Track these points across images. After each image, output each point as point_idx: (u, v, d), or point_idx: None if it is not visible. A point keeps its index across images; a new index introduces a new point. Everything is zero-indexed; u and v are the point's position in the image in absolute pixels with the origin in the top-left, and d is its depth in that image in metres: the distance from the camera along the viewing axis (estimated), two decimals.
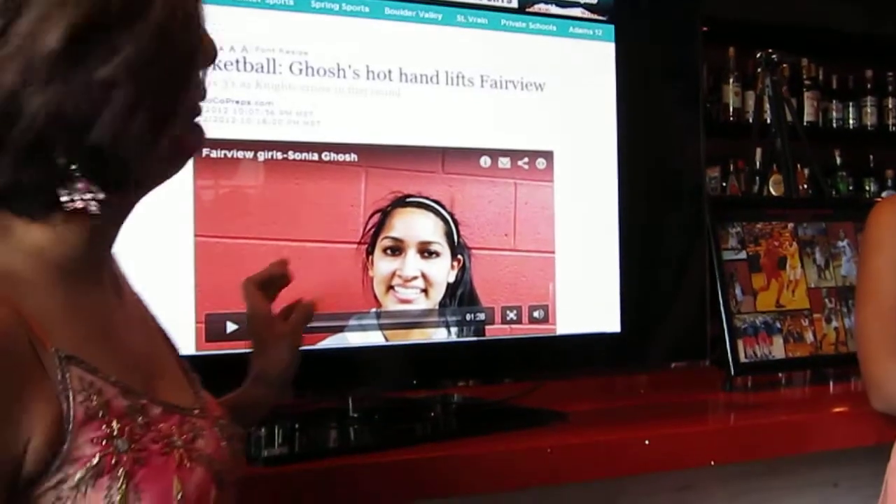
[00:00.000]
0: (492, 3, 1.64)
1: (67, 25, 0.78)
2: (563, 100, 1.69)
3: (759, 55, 2.65)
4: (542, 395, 1.69)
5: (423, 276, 1.57)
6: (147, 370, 0.92)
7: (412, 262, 1.56)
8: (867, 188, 4.83)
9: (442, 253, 1.58)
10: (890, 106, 4.79)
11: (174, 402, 0.92)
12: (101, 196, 0.84)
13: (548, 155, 1.67)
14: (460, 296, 1.60)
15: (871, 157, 4.85)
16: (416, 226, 1.57)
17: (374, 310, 1.54)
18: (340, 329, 1.52)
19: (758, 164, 3.31)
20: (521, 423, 1.58)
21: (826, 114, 4.70)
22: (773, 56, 2.61)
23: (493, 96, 1.64)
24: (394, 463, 1.37)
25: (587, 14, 1.72)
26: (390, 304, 1.55)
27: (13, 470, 0.77)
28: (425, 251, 1.57)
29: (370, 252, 1.53)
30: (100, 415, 0.81)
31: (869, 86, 4.75)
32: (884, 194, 4.71)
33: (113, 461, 0.81)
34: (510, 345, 1.64)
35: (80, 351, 0.83)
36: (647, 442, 1.52)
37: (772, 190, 3.36)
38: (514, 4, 1.66)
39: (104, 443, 0.81)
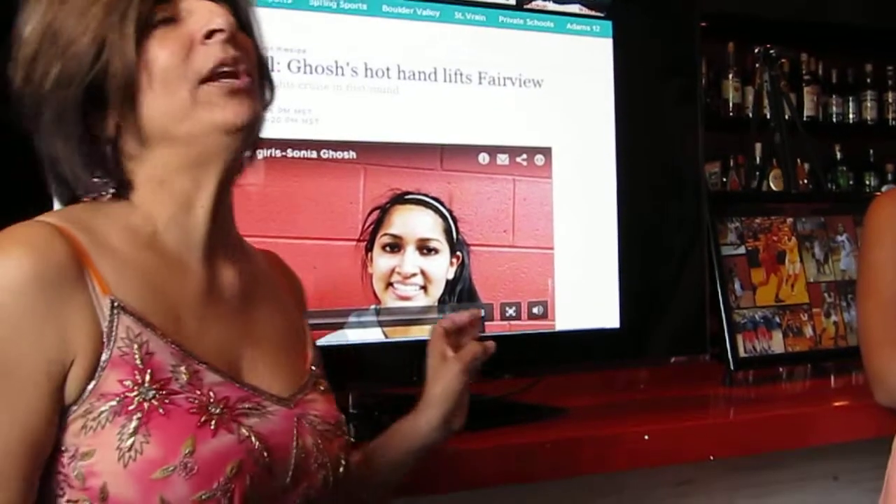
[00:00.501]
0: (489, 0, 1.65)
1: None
2: (562, 96, 1.70)
3: (757, 50, 2.66)
4: (541, 390, 1.70)
5: (423, 272, 1.57)
6: (232, 351, 1.01)
7: (411, 259, 1.57)
8: (867, 182, 4.83)
9: (441, 250, 1.59)
10: (890, 100, 4.80)
11: (251, 382, 1.00)
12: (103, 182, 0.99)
13: (546, 151, 1.68)
14: (459, 292, 1.60)
15: (872, 151, 4.85)
16: (414, 223, 1.58)
17: (373, 306, 1.54)
18: (340, 326, 1.52)
19: (757, 159, 3.31)
20: (520, 418, 1.59)
21: (826, 108, 4.70)
22: (772, 51, 2.62)
23: (492, 93, 1.64)
24: None
25: (585, 10, 1.73)
26: (389, 301, 1.55)
27: (61, 378, 0.90)
28: (424, 248, 1.58)
29: (369, 249, 1.54)
30: (136, 362, 0.92)
31: (869, 80, 4.75)
32: (884, 188, 4.70)
33: (133, 404, 0.90)
34: (509, 341, 1.64)
35: (143, 308, 0.94)
36: (646, 437, 1.53)
37: (772, 185, 3.36)
38: (512, 1, 1.67)
39: (130, 386, 0.91)
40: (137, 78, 0.95)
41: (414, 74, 1.58)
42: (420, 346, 1.58)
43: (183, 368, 0.94)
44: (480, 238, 1.62)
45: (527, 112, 1.67)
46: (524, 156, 1.66)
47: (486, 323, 1.62)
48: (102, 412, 0.90)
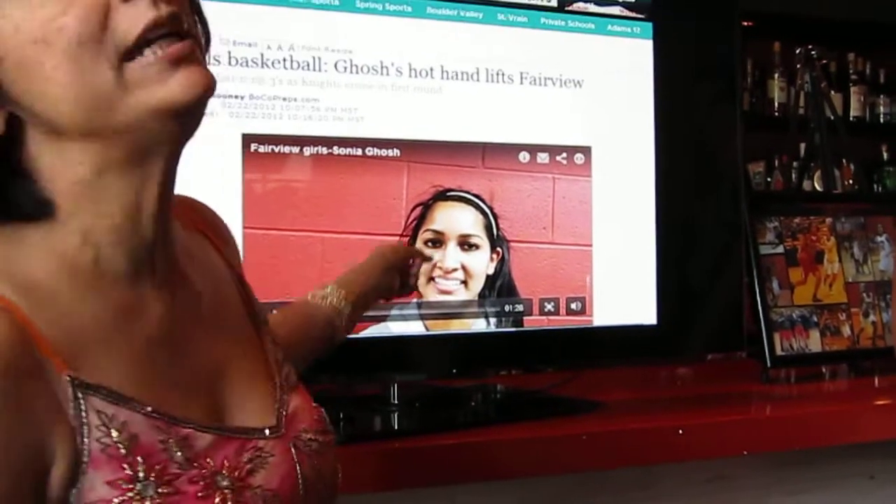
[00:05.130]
0: (532, 1, 1.68)
1: None
2: (602, 96, 1.72)
3: (798, 51, 2.66)
4: (578, 384, 1.72)
5: (463, 267, 1.61)
6: (209, 384, 0.83)
7: (452, 254, 1.60)
8: None
9: (482, 245, 1.62)
10: None
11: (239, 423, 0.83)
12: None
13: (586, 150, 1.70)
14: (499, 287, 1.64)
15: None
16: (456, 219, 1.61)
17: (415, 300, 1.58)
18: (383, 318, 1.56)
19: (800, 159, 3.30)
20: (557, 412, 1.61)
21: (873, 108, 4.65)
22: (813, 52, 2.62)
23: (533, 93, 1.67)
24: (434, 447, 1.40)
25: (625, 12, 1.75)
26: (431, 295, 1.59)
27: (38, 493, 0.69)
28: (465, 244, 1.61)
29: (412, 244, 1.58)
30: (122, 453, 0.72)
31: None
32: None
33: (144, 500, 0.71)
34: (548, 335, 1.68)
35: (108, 375, 0.73)
36: (680, 431, 1.54)
37: (816, 185, 3.36)
38: (554, 3, 1.69)
39: (124, 486, 0.71)
40: (27, 58, 0.71)
41: (457, 74, 1.62)
42: (461, 340, 1.63)
43: (172, 441, 0.75)
44: (520, 234, 1.65)
45: (567, 112, 1.70)
46: (564, 154, 1.69)
47: (525, 318, 1.65)
48: None
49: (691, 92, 1.82)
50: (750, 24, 3.77)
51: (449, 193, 1.61)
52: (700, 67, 1.83)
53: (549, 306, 1.67)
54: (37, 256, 0.75)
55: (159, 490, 0.72)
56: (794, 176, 3.90)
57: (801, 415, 1.73)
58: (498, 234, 1.63)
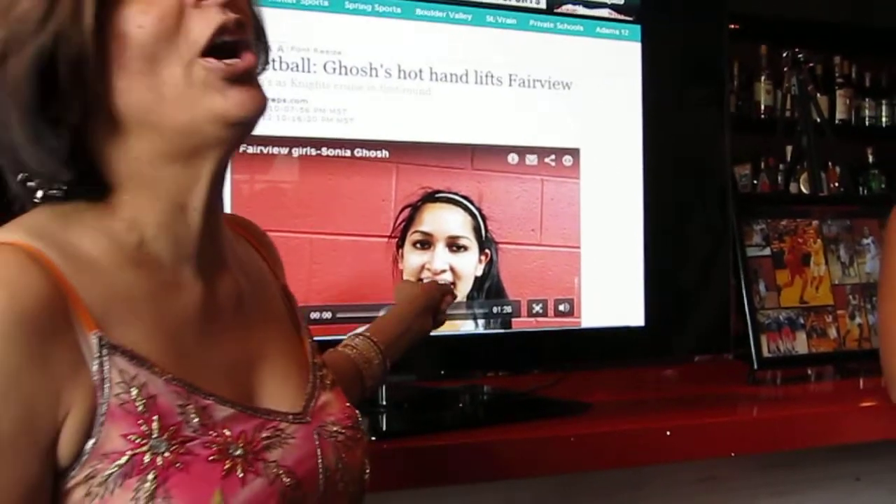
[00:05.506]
0: (520, 3, 1.68)
1: None
2: (590, 98, 1.73)
3: (785, 54, 2.67)
4: (566, 386, 1.72)
5: (452, 269, 1.61)
6: (241, 371, 0.88)
7: (441, 256, 1.60)
8: None
9: (470, 247, 1.62)
10: None
11: (267, 405, 0.88)
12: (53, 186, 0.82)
13: (574, 152, 1.71)
14: (487, 289, 1.64)
15: None
16: (445, 220, 1.61)
17: None
18: (371, 320, 1.56)
19: (787, 161, 3.32)
20: (545, 413, 1.61)
21: (859, 111, 4.68)
22: (799, 55, 2.63)
23: (521, 95, 1.68)
24: (422, 449, 1.41)
25: (614, 14, 1.75)
26: None
27: (51, 439, 0.75)
28: (454, 245, 1.61)
29: (400, 246, 1.58)
30: (139, 410, 0.77)
31: None
32: None
33: (145, 461, 0.76)
34: (536, 337, 1.68)
35: (136, 342, 0.79)
36: (668, 433, 1.54)
37: (802, 187, 3.37)
38: (543, 5, 1.70)
39: (137, 441, 0.76)
40: (107, 51, 0.79)
41: (446, 76, 1.62)
42: (449, 341, 1.63)
43: (191, 407, 0.80)
44: (509, 236, 1.65)
45: (556, 114, 1.70)
46: (553, 156, 1.69)
47: (513, 319, 1.66)
48: (109, 475, 0.76)
49: (679, 94, 1.83)
50: (737, 26, 3.79)
51: (438, 195, 1.61)
52: (688, 70, 1.84)
53: (537, 308, 1.67)
54: (88, 235, 0.82)
55: (171, 449, 0.78)
56: (780, 178, 3.92)
57: (787, 416, 1.74)
58: (486, 236, 1.64)
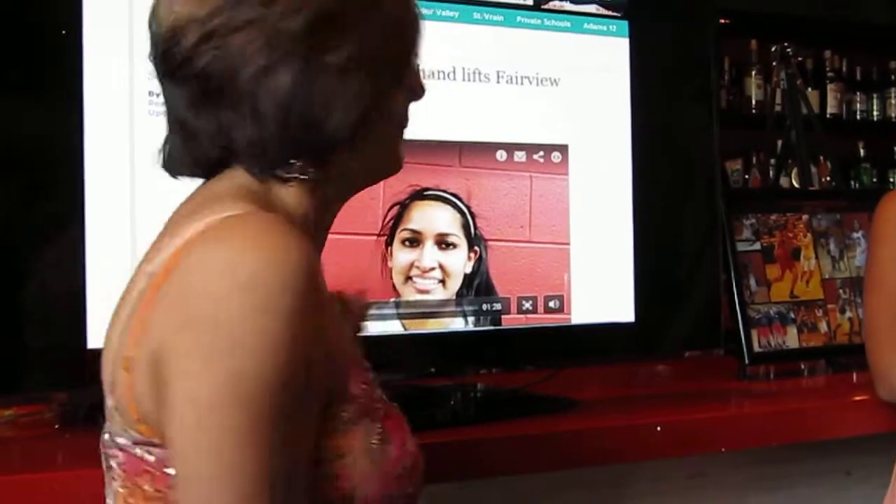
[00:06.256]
0: (508, 0, 1.68)
1: (310, 14, 0.89)
2: (578, 95, 1.72)
3: (774, 48, 2.67)
4: (557, 383, 1.72)
5: (441, 266, 1.61)
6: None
7: (430, 254, 1.60)
8: (891, 179, 4.81)
9: (459, 244, 1.62)
10: None
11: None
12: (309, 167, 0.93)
13: (563, 149, 1.71)
14: (477, 286, 1.64)
15: (895, 148, 4.83)
16: (433, 218, 1.61)
17: (393, 299, 1.58)
18: None
19: (777, 156, 3.31)
20: (535, 410, 1.61)
21: (850, 106, 4.68)
22: (788, 49, 2.63)
23: (510, 92, 1.67)
24: None
25: (602, 10, 1.75)
26: (409, 294, 1.59)
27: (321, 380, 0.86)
28: (443, 243, 1.61)
29: (389, 244, 1.58)
30: (363, 363, 0.95)
31: (893, 77, 4.72)
32: None
33: (374, 405, 0.92)
34: (526, 334, 1.68)
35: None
36: (658, 428, 1.55)
37: (793, 182, 3.37)
38: (530, 2, 1.70)
39: (365, 388, 0.92)
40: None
41: (433, 73, 1.62)
42: (439, 339, 1.62)
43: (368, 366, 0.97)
44: (498, 233, 1.65)
45: (544, 110, 1.70)
46: (541, 153, 1.69)
47: (503, 316, 1.66)
48: (351, 417, 0.89)
49: (668, 90, 1.83)
50: (726, 21, 3.79)
51: (426, 192, 1.61)
52: (676, 65, 1.84)
53: (527, 305, 1.67)
54: (291, 207, 0.96)
55: (381, 394, 0.95)
56: (770, 173, 3.91)
57: (778, 411, 1.74)
58: (475, 233, 1.63)
